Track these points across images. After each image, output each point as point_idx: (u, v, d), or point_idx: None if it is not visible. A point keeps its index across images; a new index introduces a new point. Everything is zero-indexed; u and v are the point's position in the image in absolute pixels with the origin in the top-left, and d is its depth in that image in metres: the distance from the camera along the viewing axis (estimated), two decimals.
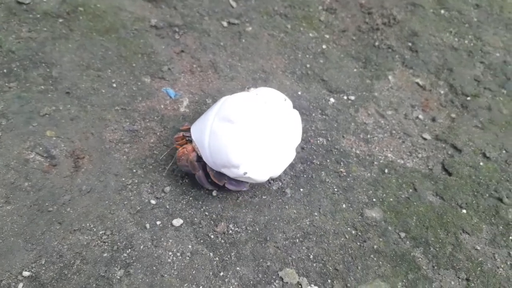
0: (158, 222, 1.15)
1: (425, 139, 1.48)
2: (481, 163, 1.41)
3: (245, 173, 1.10)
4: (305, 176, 1.30)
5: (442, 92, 1.65)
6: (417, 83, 1.66)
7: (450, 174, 1.38)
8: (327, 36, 1.75)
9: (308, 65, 1.63)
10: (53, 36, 1.50)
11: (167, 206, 1.18)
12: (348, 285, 1.10)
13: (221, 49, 1.62)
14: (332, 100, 1.53)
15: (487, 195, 1.32)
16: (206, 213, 1.18)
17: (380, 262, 1.15)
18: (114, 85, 1.42)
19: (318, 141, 1.40)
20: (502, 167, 1.40)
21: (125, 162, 1.25)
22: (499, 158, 1.42)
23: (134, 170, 1.24)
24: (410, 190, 1.32)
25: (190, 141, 1.21)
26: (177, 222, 1.15)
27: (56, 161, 1.21)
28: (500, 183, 1.35)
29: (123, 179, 1.21)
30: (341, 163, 1.35)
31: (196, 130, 1.16)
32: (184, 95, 1.45)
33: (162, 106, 1.40)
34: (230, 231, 1.16)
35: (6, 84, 1.35)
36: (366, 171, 1.35)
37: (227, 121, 1.09)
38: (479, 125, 1.53)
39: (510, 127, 1.53)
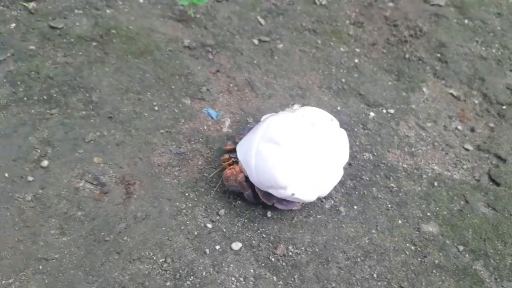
0: (217, 247, 1.12)
1: (467, 149, 1.48)
2: None
3: (293, 194, 1.09)
4: (356, 193, 1.29)
5: (476, 102, 1.65)
6: (451, 94, 1.67)
7: (498, 184, 1.37)
8: (358, 50, 1.75)
9: (343, 80, 1.63)
10: (89, 60, 1.48)
11: (224, 230, 1.16)
12: None
13: (255, 67, 1.61)
14: (372, 114, 1.52)
15: None
16: (264, 235, 1.16)
17: (443, 277, 1.14)
18: (156, 108, 1.40)
19: (365, 157, 1.39)
20: None
21: (176, 186, 1.23)
22: None
23: (187, 194, 1.22)
24: (462, 202, 1.31)
25: (237, 161, 1.19)
26: (236, 245, 1.13)
27: (107, 188, 1.19)
28: None
29: (177, 203, 1.19)
30: (390, 178, 1.34)
31: (242, 150, 1.16)
32: (225, 115, 1.44)
33: (205, 127, 1.39)
34: (290, 253, 1.13)
35: (48, 111, 1.33)
36: (415, 185, 1.34)
37: (273, 143, 1.09)
38: None
39: None
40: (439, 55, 1.80)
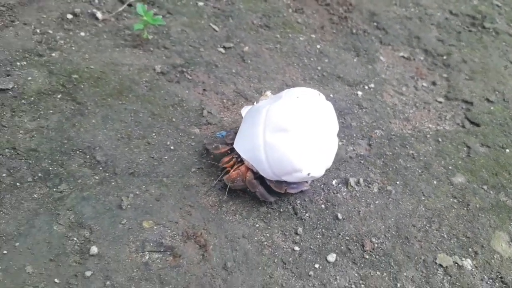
0: (316, 265, 1.11)
1: (440, 102, 1.67)
2: (492, 108, 1.66)
3: (309, 173, 1.13)
4: (390, 169, 1.38)
5: (422, 58, 1.86)
6: (402, 56, 1.85)
7: (478, 125, 1.59)
8: (313, 36, 1.81)
9: (319, 68, 1.67)
10: (66, 117, 1.27)
11: (311, 247, 1.15)
12: (484, 245, 1.23)
13: (236, 76, 1.56)
14: (359, 93, 1.61)
15: None
16: (347, 238, 1.18)
17: (488, 216, 1.30)
18: (172, 147, 1.28)
19: (377, 134, 1.48)
20: (506, 107, 1.67)
21: (242, 221, 1.16)
22: (500, 100, 1.69)
23: (257, 225, 1.16)
24: (465, 149, 1.49)
25: (239, 161, 1.18)
26: (331, 257, 1.13)
27: (177, 251, 1.07)
28: None
29: (255, 238, 1.13)
30: (406, 146, 1.46)
31: (246, 149, 1.15)
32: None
33: None
34: (376, 245, 1.18)
35: (54, 189, 1.12)
36: (426, 145, 1.48)
37: (282, 131, 1.10)
38: (467, 77, 1.78)
39: (487, 68, 1.82)
40: (375, 24, 1.95)
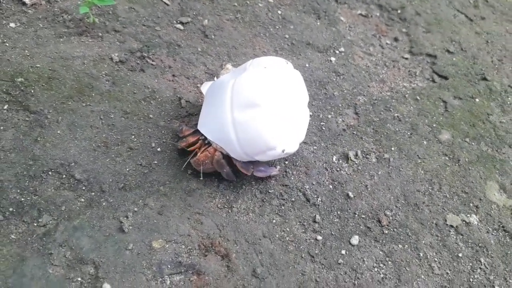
0: (342, 252, 1.06)
1: (406, 58, 1.67)
2: (454, 59, 1.69)
3: (283, 150, 1.04)
4: (382, 136, 1.35)
5: (378, 14, 1.83)
6: (360, 14, 1.80)
7: (446, 78, 1.62)
8: (271, 1, 1.68)
9: (286, 36, 1.57)
10: (22, 131, 1.05)
11: (332, 233, 1.09)
12: (481, 198, 1.27)
13: (204, 55, 1.40)
14: (332, 59, 1.54)
15: (477, 79, 1.62)
16: (363, 216, 1.14)
17: (478, 168, 1.34)
18: (158, 148, 1.12)
19: (360, 100, 1.43)
20: (465, 56, 1.71)
21: (258, 219, 1.07)
22: (458, 50, 1.73)
23: (274, 220, 1.08)
24: (442, 104, 1.51)
25: (206, 143, 1.08)
26: (355, 240, 1.09)
27: (199, 267, 0.95)
28: (475, 65, 1.66)
29: (276, 235, 1.05)
30: (390, 109, 1.44)
31: (212, 130, 1.04)
32: None
33: None
34: (391, 218, 1.16)
35: (35, 224, 0.93)
36: (407, 106, 1.47)
37: (251, 107, 0.99)
38: (424, 29, 1.79)
39: (440, 19, 1.84)
40: None
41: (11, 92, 1.11)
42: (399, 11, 1.84)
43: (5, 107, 1.08)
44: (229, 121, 0.99)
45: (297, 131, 1.08)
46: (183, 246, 0.97)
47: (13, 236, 0.90)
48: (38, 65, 1.18)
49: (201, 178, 1.08)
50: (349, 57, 1.57)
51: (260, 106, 0.98)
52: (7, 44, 1.20)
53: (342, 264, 1.04)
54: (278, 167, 1.16)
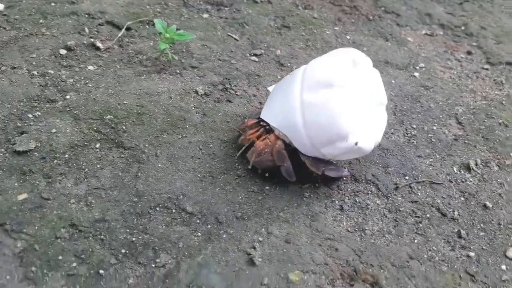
0: (503, 267, 0.90)
1: (487, 69, 1.57)
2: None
3: (356, 143, 0.89)
4: (495, 144, 1.22)
5: (442, 32, 1.77)
6: (426, 34, 1.74)
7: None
8: (337, 28, 1.65)
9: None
10: (120, 168, 0.95)
11: (483, 247, 0.93)
12: None
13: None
14: (416, 74, 1.46)
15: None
16: (510, 226, 0.98)
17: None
18: (266, 174, 1.00)
19: (459, 110, 1.33)
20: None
21: (393, 239, 0.92)
22: None
23: (415, 241, 0.92)
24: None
25: (267, 131, 0.96)
26: (511, 252, 0.92)
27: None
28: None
29: (423, 256, 0.89)
30: (493, 116, 1.32)
31: (276, 115, 0.93)
32: None
33: None
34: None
35: (153, 265, 0.80)
36: (508, 112, 1.35)
37: (324, 87, 0.88)
38: (495, 41, 1.72)
39: (507, 31, 1.77)
40: (383, 8, 1.85)
41: (102, 130, 1.02)
42: (463, 28, 1.78)
43: (97, 145, 0.99)
44: (297, 103, 0.88)
45: (374, 128, 0.95)
46: (323, 277, 0.82)
47: (131, 281, 0.77)
48: (125, 102, 1.11)
49: (250, 167, 0.95)
50: (431, 72, 1.49)
51: (334, 87, 0.87)
52: (90, 85, 1.14)
53: (507, 281, 0.87)
54: (347, 168, 1.02)
